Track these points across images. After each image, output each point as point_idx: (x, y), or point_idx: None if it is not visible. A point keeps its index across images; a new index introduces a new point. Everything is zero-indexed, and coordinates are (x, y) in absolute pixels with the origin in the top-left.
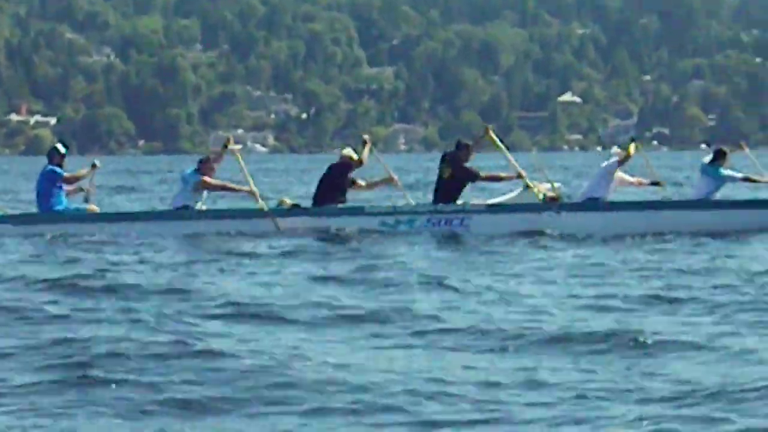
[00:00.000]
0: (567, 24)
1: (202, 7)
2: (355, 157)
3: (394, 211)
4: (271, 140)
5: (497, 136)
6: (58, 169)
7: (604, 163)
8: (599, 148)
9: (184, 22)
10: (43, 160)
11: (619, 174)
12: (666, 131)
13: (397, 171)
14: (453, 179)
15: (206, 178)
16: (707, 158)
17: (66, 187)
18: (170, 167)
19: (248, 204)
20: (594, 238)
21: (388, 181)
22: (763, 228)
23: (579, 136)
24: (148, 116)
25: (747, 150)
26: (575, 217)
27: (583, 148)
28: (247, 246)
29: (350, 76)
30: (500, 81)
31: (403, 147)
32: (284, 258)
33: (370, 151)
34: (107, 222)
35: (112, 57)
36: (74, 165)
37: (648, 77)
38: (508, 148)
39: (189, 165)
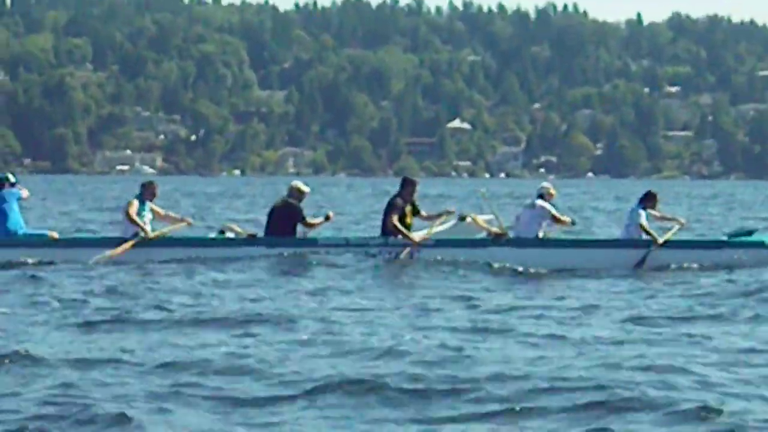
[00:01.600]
0: (458, 50)
1: (93, 27)
2: (304, 189)
3: (346, 243)
4: (159, 162)
5: (391, 163)
6: (14, 191)
7: (539, 201)
8: (487, 175)
9: (75, 42)
10: None
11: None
12: (554, 159)
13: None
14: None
15: (153, 206)
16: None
17: None
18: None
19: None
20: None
21: (327, 220)
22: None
23: (467, 163)
24: (35, 135)
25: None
26: (518, 252)
27: (471, 174)
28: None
29: (240, 99)
30: (390, 106)
31: (291, 170)
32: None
33: (326, 220)
34: (66, 248)
35: (1, 76)
36: None
37: (537, 105)
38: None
39: (76, 185)
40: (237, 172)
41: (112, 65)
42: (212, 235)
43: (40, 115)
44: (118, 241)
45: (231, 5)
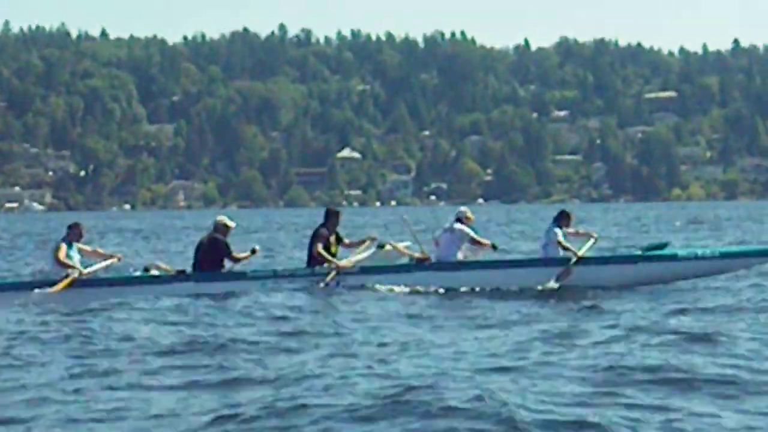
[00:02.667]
0: (347, 80)
1: None
2: (230, 224)
3: (274, 275)
4: (48, 198)
5: (281, 194)
6: None
7: (457, 225)
8: (378, 204)
9: None
10: None
11: (474, 237)
12: (444, 186)
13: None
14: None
15: (80, 245)
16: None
17: None
18: None
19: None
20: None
21: (251, 255)
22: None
23: (358, 192)
24: None
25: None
26: (441, 275)
27: (362, 203)
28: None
29: (129, 133)
30: (279, 137)
31: (182, 203)
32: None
33: (252, 254)
34: None
35: None
36: None
37: (427, 132)
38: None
39: None
40: (127, 206)
41: None
42: (137, 273)
43: None
44: (49, 283)
45: (119, 40)
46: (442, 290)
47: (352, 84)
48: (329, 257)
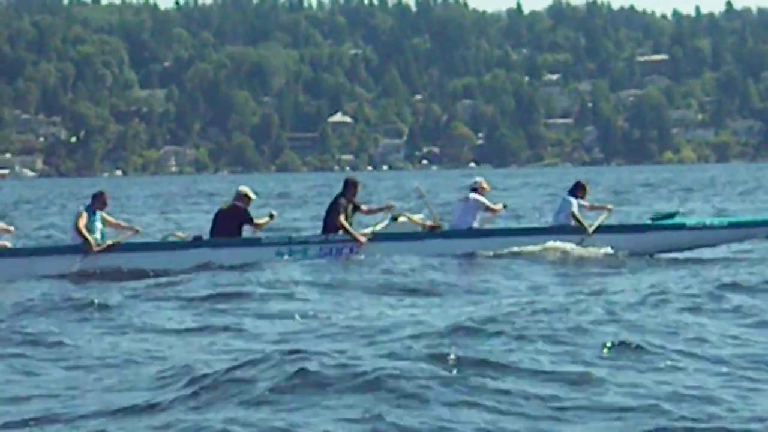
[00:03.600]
0: (339, 45)
1: None
2: (251, 195)
3: (288, 242)
4: (39, 164)
5: (273, 159)
6: None
7: (472, 195)
8: (370, 168)
9: None
10: None
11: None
12: (436, 150)
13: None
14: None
15: (104, 215)
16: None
17: None
18: None
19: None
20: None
21: (268, 221)
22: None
23: (350, 156)
24: None
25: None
26: (453, 243)
27: (354, 168)
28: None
29: (120, 99)
30: (271, 102)
31: (174, 169)
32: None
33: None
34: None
35: None
36: None
37: (419, 97)
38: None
39: None
40: (119, 172)
41: None
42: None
43: None
44: (69, 249)
45: (110, 5)
46: (454, 258)
47: (344, 49)
48: (350, 229)
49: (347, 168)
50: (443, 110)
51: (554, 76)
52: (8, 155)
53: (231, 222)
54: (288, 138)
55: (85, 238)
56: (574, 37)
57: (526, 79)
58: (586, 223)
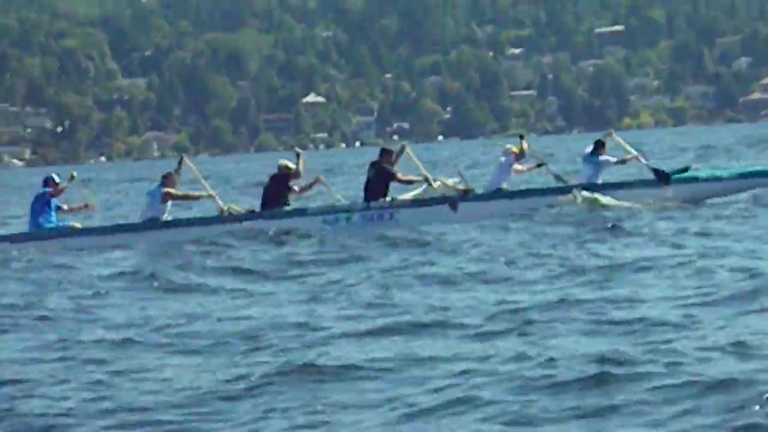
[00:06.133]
0: (311, 28)
1: None
2: (291, 166)
3: (333, 210)
4: (27, 154)
5: (251, 140)
6: (47, 192)
7: (503, 158)
8: (343, 145)
9: None
10: None
11: (516, 166)
12: (406, 126)
13: None
14: (377, 180)
15: (170, 190)
16: (588, 148)
17: (65, 207)
18: None
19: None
20: (496, 222)
21: (317, 183)
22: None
23: (324, 135)
24: None
25: (615, 135)
26: (485, 206)
27: (329, 145)
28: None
29: (103, 89)
30: (247, 86)
31: (156, 154)
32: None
33: (304, 162)
34: (88, 236)
35: None
36: None
37: (388, 75)
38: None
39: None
40: (103, 158)
41: None
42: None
43: None
44: (135, 227)
45: None
46: (486, 219)
47: (316, 32)
48: (409, 179)
49: (321, 146)
50: (412, 87)
51: (517, 50)
52: None
53: (277, 192)
54: (264, 120)
55: (190, 196)
56: (535, 13)
57: (491, 54)
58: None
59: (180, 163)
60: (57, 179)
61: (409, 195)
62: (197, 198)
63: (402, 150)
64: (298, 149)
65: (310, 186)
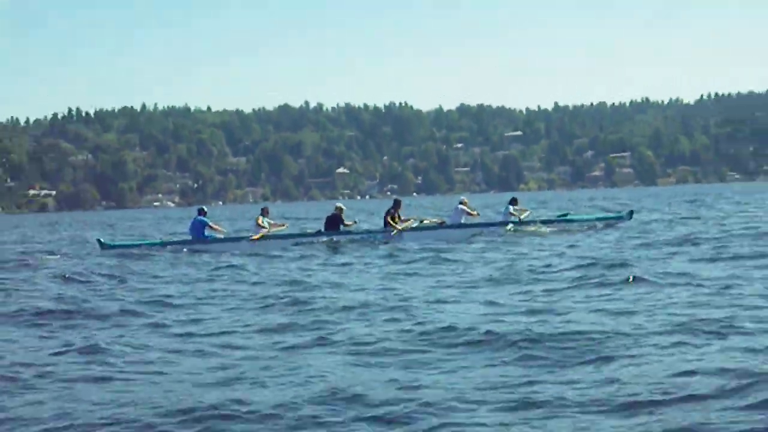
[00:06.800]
0: (341, 130)
1: None
2: (344, 208)
3: (368, 233)
4: (177, 200)
5: None
6: (205, 219)
7: (460, 206)
8: (359, 197)
9: None
10: None
11: (464, 209)
12: (395, 186)
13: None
14: (387, 216)
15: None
16: (504, 206)
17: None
18: None
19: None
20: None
21: (354, 223)
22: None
23: (348, 191)
24: None
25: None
26: (451, 231)
27: (350, 198)
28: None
29: (221, 163)
30: (304, 162)
31: (251, 200)
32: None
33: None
34: (224, 242)
35: None
36: None
37: (385, 158)
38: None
39: None
40: (221, 203)
41: None
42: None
43: None
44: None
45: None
46: (448, 242)
47: (344, 131)
48: (394, 224)
49: (347, 198)
50: (398, 165)
51: (459, 145)
52: None
53: (334, 223)
54: (313, 182)
55: (263, 227)
56: (470, 124)
57: (444, 147)
58: (518, 214)
59: (263, 207)
60: (205, 209)
61: (405, 225)
62: (279, 225)
63: (399, 201)
64: (357, 220)
65: (351, 224)
